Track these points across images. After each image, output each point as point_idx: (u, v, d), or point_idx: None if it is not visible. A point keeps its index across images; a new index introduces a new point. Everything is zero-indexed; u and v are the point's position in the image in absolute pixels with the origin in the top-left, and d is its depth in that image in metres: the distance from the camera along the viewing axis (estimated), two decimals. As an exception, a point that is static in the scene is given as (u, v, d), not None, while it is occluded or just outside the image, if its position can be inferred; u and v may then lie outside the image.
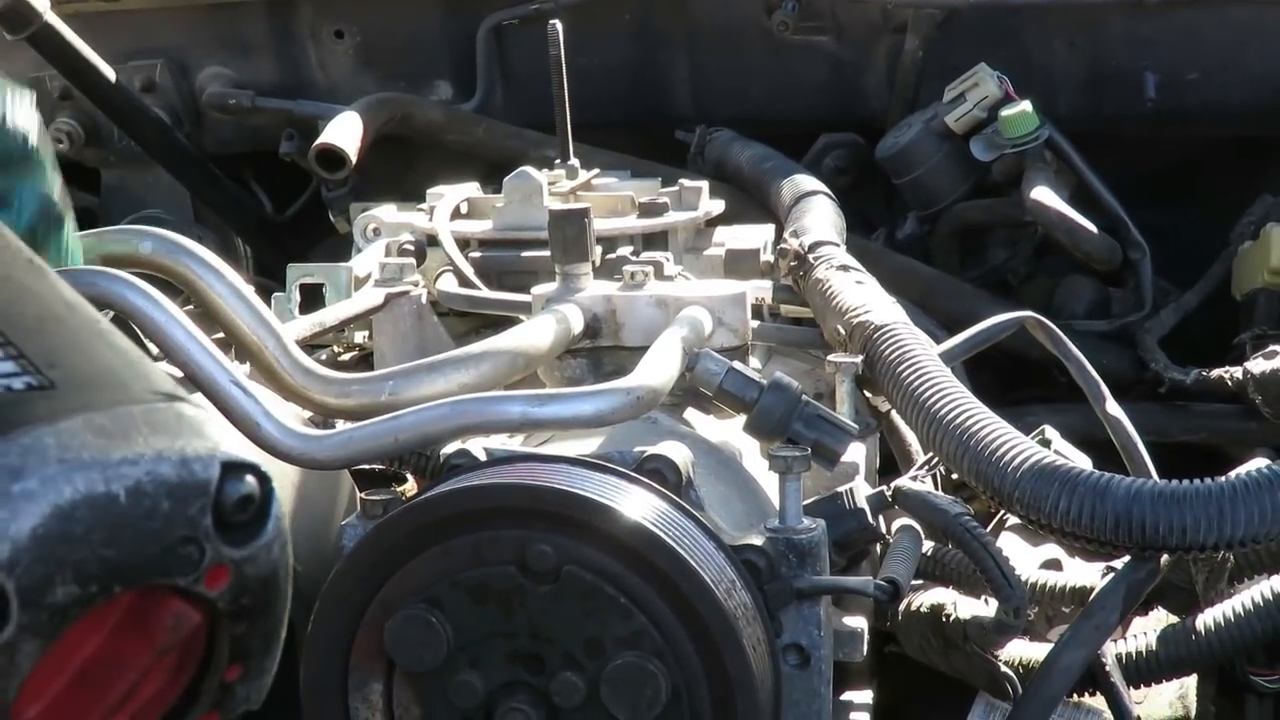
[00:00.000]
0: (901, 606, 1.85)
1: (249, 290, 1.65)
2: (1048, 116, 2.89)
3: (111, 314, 1.60)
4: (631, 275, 1.85)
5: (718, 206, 2.51)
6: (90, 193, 3.65)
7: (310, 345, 2.22)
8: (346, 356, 2.34)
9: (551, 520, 1.32)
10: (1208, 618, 1.72)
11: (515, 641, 1.34)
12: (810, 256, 2.14)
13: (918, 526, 1.70)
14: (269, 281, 2.89)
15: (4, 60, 3.05)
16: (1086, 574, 1.82)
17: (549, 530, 1.32)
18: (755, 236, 2.41)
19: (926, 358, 1.79)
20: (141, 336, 1.57)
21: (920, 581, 1.88)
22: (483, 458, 1.46)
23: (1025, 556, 1.92)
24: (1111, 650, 1.71)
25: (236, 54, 3.41)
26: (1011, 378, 2.82)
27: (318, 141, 2.93)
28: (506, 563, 1.33)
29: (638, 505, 1.34)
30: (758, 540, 1.42)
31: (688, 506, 1.39)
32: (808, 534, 1.43)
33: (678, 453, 1.43)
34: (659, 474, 1.42)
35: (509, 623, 1.34)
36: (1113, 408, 1.99)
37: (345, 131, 2.94)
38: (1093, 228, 2.75)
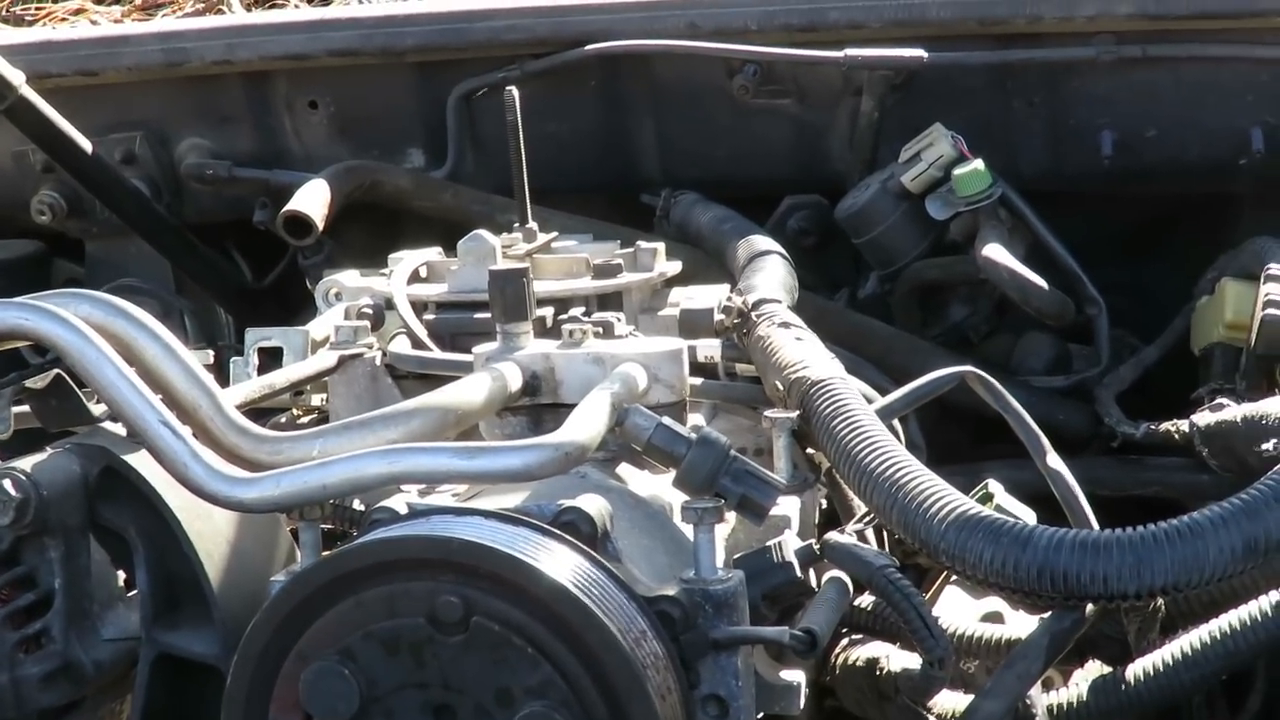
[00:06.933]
0: (839, 660, 1.86)
1: (184, 350, 1.67)
2: (1011, 176, 2.91)
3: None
4: (570, 333, 1.88)
5: (674, 267, 2.53)
6: (77, 263, 3.70)
7: (268, 409, 2.25)
8: (305, 419, 2.36)
9: (460, 572, 1.34)
10: (1138, 668, 1.73)
11: (427, 692, 1.36)
12: (753, 314, 2.16)
13: (846, 579, 1.71)
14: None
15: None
16: (1027, 627, 1.82)
17: (458, 582, 1.34)
18: (710, 296, 2.43)
19: (860, 412, 1.81)
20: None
21: (860, 636, 1.89)
22: (404, 512, 1.48)
23: (967, 610, 1.93)
24: (1042, 701, 1.71)
25: (214, 125, 3.45)
26: (981, 433, 2.82)
27: (284, 209, 2.97)
28: (417, 614, 1.35)
29: (546, 557, 1.36)
30: (672, 590, 1.43)
31: (599, 558, 1.41)
32: (723, 584, 1.45)
33: (593, 505, 1.45)
34: (573, 526, 1.44)
35: (421, 674, 1.36)
36: (1054, 461, 1.99)
37: (312, 198, 2.98)
38: (1043, 283, 2.75)
